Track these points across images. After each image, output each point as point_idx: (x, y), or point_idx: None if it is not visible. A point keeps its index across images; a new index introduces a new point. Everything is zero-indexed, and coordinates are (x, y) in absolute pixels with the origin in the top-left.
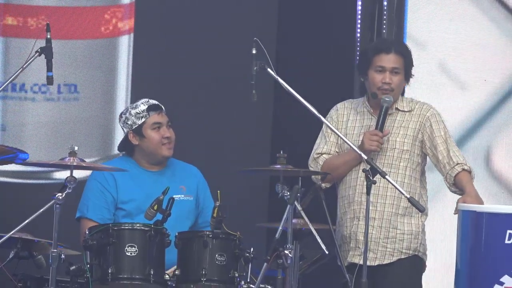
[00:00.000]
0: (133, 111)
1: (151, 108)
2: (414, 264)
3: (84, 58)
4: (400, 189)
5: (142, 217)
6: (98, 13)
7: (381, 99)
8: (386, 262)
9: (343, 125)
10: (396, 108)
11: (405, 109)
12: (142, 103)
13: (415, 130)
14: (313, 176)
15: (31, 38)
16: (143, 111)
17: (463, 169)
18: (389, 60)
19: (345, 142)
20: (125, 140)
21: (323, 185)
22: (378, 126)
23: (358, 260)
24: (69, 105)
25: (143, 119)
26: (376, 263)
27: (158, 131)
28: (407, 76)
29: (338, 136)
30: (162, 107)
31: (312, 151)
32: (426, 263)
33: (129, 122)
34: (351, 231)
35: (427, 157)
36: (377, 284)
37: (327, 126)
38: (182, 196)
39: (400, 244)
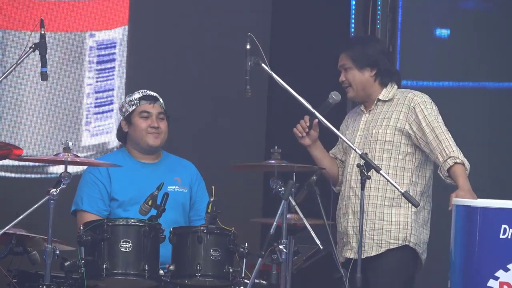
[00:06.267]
0: (128, 99)
1: (143, 98)
2: (403, 254)
3: (78, 50)
4: (394, 183)
5: (136, 208)
6: (93, 6)
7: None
8: (373, 254)
9: (347, 129)
10: (378, 99)
11: (386, 99)
12: (138, 92)
13: (398, 120)
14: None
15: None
16: (135, 99)
17: (455, 163)
18: (339, 61)
19: (342, 139)
20: (119, 127)
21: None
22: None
23: (349, 255)
24: (64, 98)
25: (134, 107)
26: (364, 255)
27: (145, 120)
28: (363, 64)
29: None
30: (159, 99)
31: None
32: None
33: (123, 109)
34: (343, 227)
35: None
36: (368, 276)
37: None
38: (177, 187)
39: (388, 235)
